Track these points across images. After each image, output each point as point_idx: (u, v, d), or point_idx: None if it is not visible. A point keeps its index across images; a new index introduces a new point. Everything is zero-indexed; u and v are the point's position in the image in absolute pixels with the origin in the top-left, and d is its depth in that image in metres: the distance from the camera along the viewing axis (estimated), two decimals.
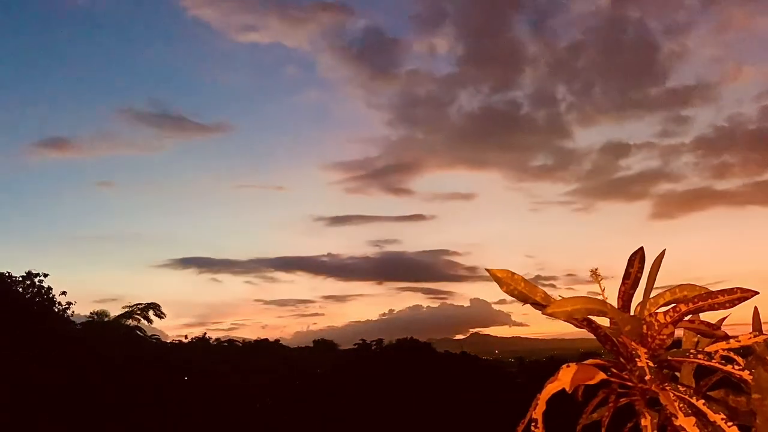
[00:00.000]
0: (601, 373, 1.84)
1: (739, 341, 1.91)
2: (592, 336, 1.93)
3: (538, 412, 1.77)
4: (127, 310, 26.35)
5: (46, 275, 24.11)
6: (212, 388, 26.55)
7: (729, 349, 1.92)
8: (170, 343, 36.31)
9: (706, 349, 1.91)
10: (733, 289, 1.77)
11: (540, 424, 1.76)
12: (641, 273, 2.00)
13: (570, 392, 1.80)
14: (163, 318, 26.89)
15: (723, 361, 1.81)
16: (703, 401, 1.72)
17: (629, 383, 1.89)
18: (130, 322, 26.26)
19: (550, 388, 1.77)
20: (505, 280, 1.98)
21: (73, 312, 25.25)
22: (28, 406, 18.53)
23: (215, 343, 43.57)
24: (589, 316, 1.86)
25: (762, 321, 2.09)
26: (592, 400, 2.00)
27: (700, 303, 1.80)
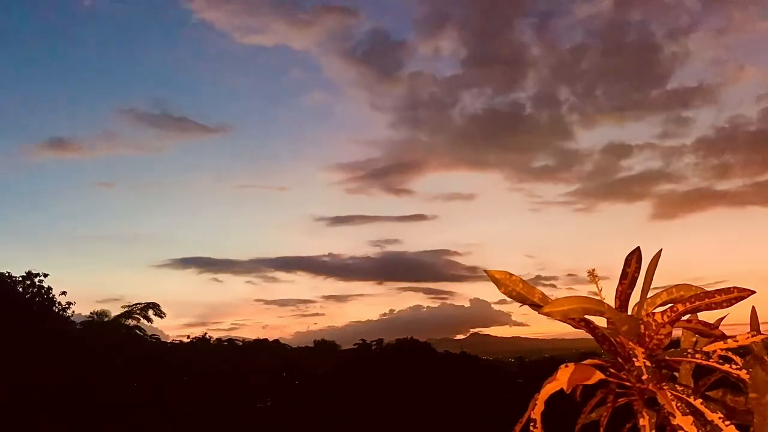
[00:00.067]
0: (599, 373, 1.85)
1: (737, 341, 1.92)
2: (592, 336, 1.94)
3: (536, 412, 1.78)
4: (126, 310, 26.29)
5: (46, 275, 24.12)
6: (212, 388, 26.54)
7: (727, 349, 1.92)
8: (170, 343, 36.25)
9: (704, 349, 1.92)
10: (730, 288, 1.77)
11: (539, 425, 1.77)
12: (638, 273, 2.00)
13: (568, 392, 1.81)
14: (163, 318, 26.82)
15: (721, 361, 1.82)
16: (701, 401, 1.72)
17: (627, 383, 1.89)
18: (130, 322, 26.19)
19: (549, 388, 1.78)
20: (503, 281, 1.99)
21: (73, 312, 25.27)
22: (28, 406, 18.53)
23: (215, 343, 43.51)
24: (587, 316, 1.86)
25: (760, 321, 2.10)
26: (590, 400, 2.01)
27: (698, 303, 1.80)
